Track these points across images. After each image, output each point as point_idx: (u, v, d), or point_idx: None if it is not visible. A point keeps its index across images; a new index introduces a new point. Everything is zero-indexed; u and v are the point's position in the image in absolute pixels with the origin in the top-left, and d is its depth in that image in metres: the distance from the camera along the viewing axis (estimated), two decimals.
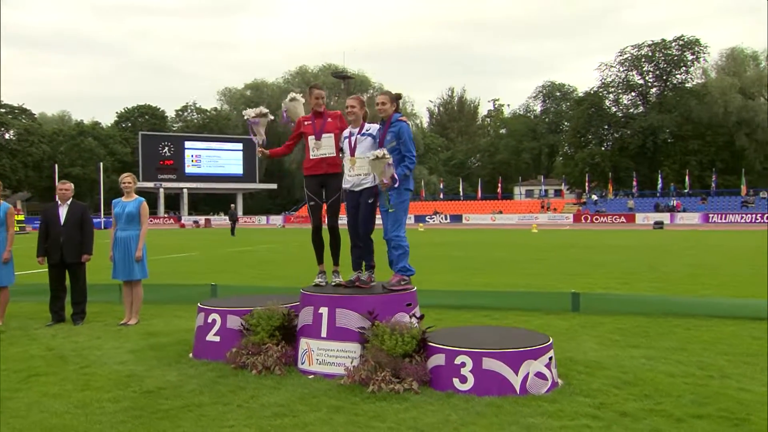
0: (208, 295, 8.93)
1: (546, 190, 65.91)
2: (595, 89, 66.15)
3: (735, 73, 61.24)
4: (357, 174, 5.47)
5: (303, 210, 68.03)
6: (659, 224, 39.76)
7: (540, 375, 4.48)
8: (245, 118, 5.95)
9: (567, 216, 52.46)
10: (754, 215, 45.65)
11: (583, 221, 50.36)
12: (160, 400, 4.43)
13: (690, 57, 62.33)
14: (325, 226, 5.75)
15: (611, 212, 52.00)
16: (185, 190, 67.78)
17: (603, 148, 65.85)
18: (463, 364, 4.51)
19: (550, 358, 4.61)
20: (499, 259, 15.70)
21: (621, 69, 64.92)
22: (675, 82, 63.74)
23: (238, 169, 71.60)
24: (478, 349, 4.52)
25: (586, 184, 59.21)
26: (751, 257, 15.71)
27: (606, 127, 66.71)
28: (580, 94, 71.24)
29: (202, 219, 59.31)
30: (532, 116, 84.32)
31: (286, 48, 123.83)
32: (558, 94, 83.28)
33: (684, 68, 63.09)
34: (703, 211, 49.02)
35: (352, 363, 4.92)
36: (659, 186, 54.65)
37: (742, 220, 45.28)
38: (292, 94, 6.11)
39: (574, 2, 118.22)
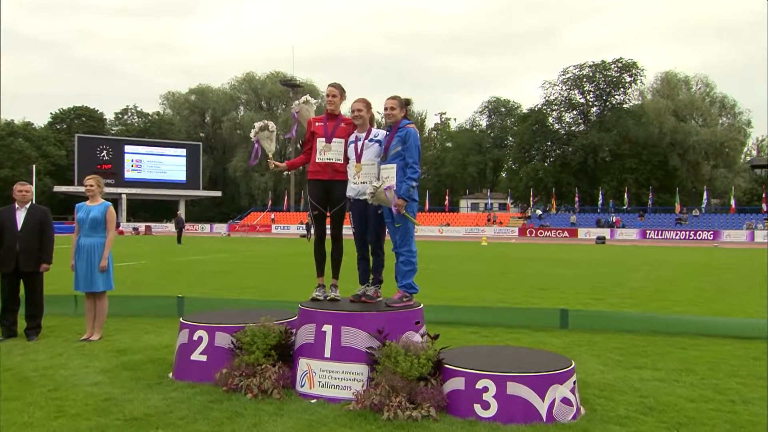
0: (175, 308, 8.35)
1: (491, 204, 66.92)
2: (539, 106, 67.85)
3: (669, 95, 64.20)
4: (362, 182, 5.11)
5: (249, 218, 66.81)
6: (601, 239, 40.87)
7: (566, 401, 4.22)
8: (252, 139, 5.49)
9: (512, 229, 53.33)
10: (687, 232, 47.60)
11: (529, 235, 51.27)
12: (151, 430, 3.92)
13: (628, 79, 64.83)
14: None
15: (555, 227, 53.19)
16: (124, 196, 65.19)
17: (546, 164, 67.47)
18: (486, 389, 4.19)
19: (575, 383, 4.36)
20: (464, 272, 15.58)
21: (563, 88, 66.89)
22: (614, 102, 66.10)
23: (180, 175, 69.47)
24: (502, 372, 4.22)
25: (531, 198, 60.44)
26: (706, 273, 16.16)
27: (549, 143, 68.47)
28: (525, 111, 72.94)
29: (142, 226, 57.23)
30: (478, 131, 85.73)
31: (233, 53, 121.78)
32: (503, 109, 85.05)
33: (622, 89, 65.54)
34: (641, 227, 50.78)
35: (362, 387, 4.53)
36: (599, 202, 56.34)
37: (677, 237, 47.12)
38: (306, 97, 5.68)
39: (517, 20, 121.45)
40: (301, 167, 5.64)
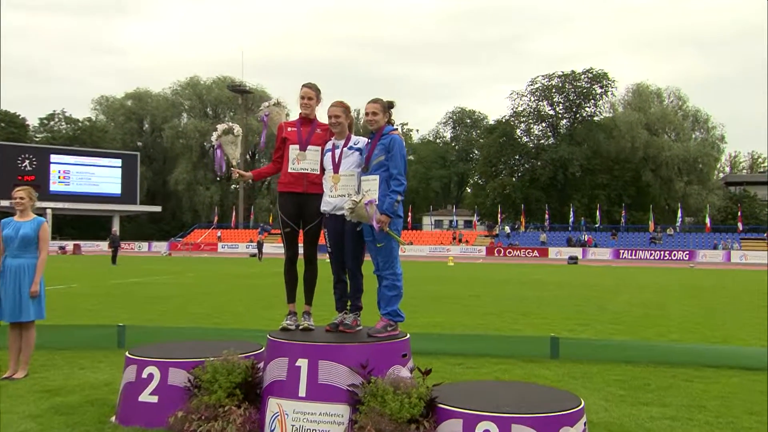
0: (114, 339, 7.88)
1: (457, 221, 67.38)
2: (506, 118, 68.84)
3: (640, 108, 66.06)
4: (340, 195, 4.88)
5: (192, 236, 65.49)
6: (574, 259, 41.46)
7: None
8: (213, 143, 5.20)
9: (479, 249, 53.68)
10: (662, 252, 48.78)
11: (497, 254, 51.67)
12: None
13: (599, 90, 66.43)
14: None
15: (524, 246, 53.77)
16: (49, 211, 62.87)
17: (514, 179, 68.39)
18: None
19: (585, 424, 4.17)
20: (435, 295, 15.41)
21: (532, 99, 68.11)
22: (584, 114, 67.63)
23: (115, 188, 67.50)
24: (505, 413, 4.00)
25: (498, 215, 61.08)
26: (691, 295, 16.40)
27: (517, 157, 69.47)
28: (491, 123, 73.96)
29: (70, 244, 55.33)
30: (442, 143, 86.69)
31: (176, 55, 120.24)
32: (468, 121, 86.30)
33: (593, 101, 67.11)
34: (614, 246, 51.81)
35: (343, 431, 4.24)
36: (570, 220, 57.32)
37: (652, 257, 48.22)
38: (277, 98, 5.42)
39: (480, 26, 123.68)
40: (269, 178, 5.39)
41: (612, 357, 7.11)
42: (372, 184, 4.77)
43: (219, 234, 63.43)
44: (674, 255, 47.82)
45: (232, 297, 14.88)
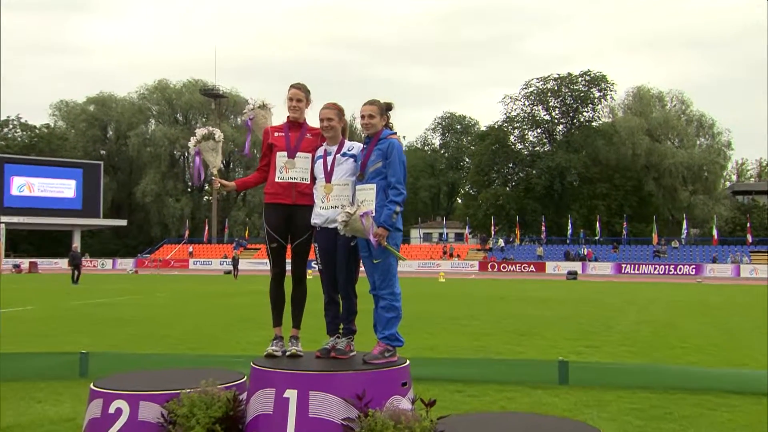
0: (76, 368, 7.63)
1: (447, 234, 67.42)
2: (499, 123, 69.24)
3: (642, 113, 66.67)
4: (333, 206, 4.77)
5: (161, 252, 64.97)
6: (573, 274, 41.54)
7: None
8: (190, 150, 5.08)
9: (472, 263, 53.70)
10: (667, 266, 49.06)
11: (490, 269, 51.72)
12: None
13: (597, 94, 67.11)
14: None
15: (520, 260, 53.88)
16: (3, 225, 62.02)
17: (508, 189, 68.75)
18: None
19: None
20: (427, 314, 15.26)
21: (526, 103, 68.63)
22: (582, 119, 68.24)
23: (75, 200, 66.72)
24: None
25: (491, 228, 61.18)
26: (702, 313, 16.41)
27: (511, 165, 69.89)
28: (483, 129, 74.36)
29: (25, 262, 54.54)
30: (430, 150, 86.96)
31: (143, 56, 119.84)
32: (458, 127, 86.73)
33: (591, 105, 67.76)
34: (616, 260, 52.05)
35: None
36: (568, 232, 57.53)
37: (656, 271, 48.49)
38: (262, 99, 5.28)
39: (471, 27, 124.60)
40: (253, 188, 5.25)
41: (626, 382, 6.99)
42: (368, 194, 4.65)
43: (191, 249, 62.93)
44: (680, 269, 48.11)
45: (208, 318, 14.65)
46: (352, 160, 4.86)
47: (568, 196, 64.68)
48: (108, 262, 60.45)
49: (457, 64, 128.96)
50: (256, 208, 72.67)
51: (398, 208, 4.59)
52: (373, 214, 4.55)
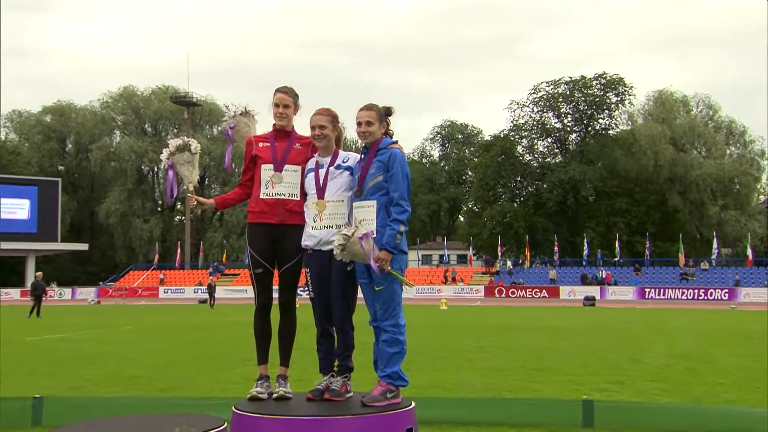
0: (29, 415, 7.44)
1: (448, 256, 67.39)
2: (505, 132, 69.64)
3: (664, 119, 66.91)
4: (326, 226, 4.74)
5: (127, 279, 64.67)
6: (590, 300, 41.50)
7: None
8: (163, 163, 5.04)
9: (477, 288, 53.75)
10: (696, 290, 49.06)
11: (498, 295, 51.74)
12: None
13: (614, 99, 67.48)
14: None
15: (530, 284, 53.94)
16: None
17: (515, 205, 68.95)
18: None
19: None
20: (430, 346, 15.14)
21: (535, 109, 69.03)
22: (597, 127, 68.66)
23: (29, 222, 66.26)
24: None
25: (498, 248, 61.19)
26: (739, 344, 16.33)
27: (519, 178, 70.12)
28: (488, 138, 74.71)
29: None
30: (429, 163, 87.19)
31: (106, 61, 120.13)
32: (460, 136, 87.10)
33: (607, 111, 68.15)
34: (638, 284, 52.08)
35: None
36: (584, 252, 57.56)
37: (684, 296, 48.49)
38: (245, 106, 5.24)
39: (472, 26, 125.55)
40: (234, 206, 5.20)
41: (661, 425, 6.87)
42: (368, 212, 4.60)
43: (161, 276, 62.67)
44: (711, 293, 48.12)
45: (181, 355, 14.48)
46: (347, 173, 4.83)
47: (584, 213, 64.83)
48: (67, 292, 60.08)
49: (457, 67, 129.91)
50: (235, 229, 72.56)
51: (402, 228, 4.55)
52: (374, 236, 4.50)
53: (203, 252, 68.07)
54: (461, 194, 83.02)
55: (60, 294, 59.36)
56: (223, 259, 66.89)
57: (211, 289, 38.91)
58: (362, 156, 4.82)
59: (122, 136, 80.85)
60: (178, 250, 66.47)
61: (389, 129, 4.88)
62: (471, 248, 64.81)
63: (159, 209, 79.44)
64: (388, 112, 4.87)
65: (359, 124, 4.78)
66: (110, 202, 74.02)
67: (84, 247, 71.30)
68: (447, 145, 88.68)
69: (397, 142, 4.84)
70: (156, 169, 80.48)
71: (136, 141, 76.50)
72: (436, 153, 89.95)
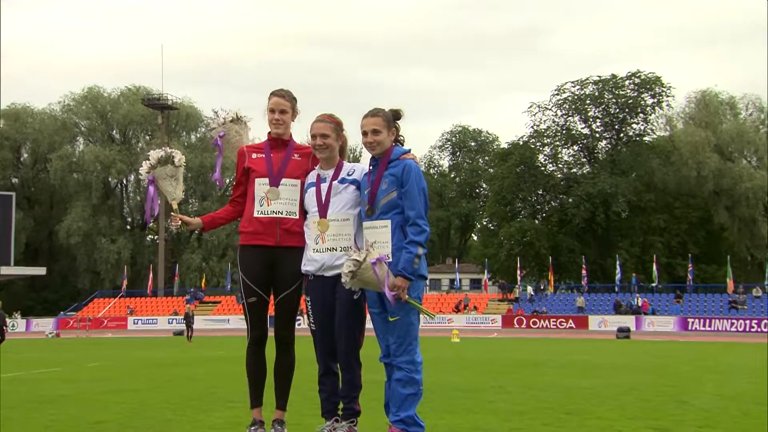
0: None
1: (460, 281, 67.34)
2: (524, 139, 69.79)
3: (708, 124, 66.84)
4: (330, 248, 4.79)
5: (91, 308, 64.59)
6: (624, 332, 41.39)
7: None
8: (142, 177, 5.09)
9: (493, 318, 53.79)
10: (747, 321, 48.86)
11: (517, 326, 51.81)
12: None
13: (650, 100, 67.65)
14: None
15: (555, 313, 54.04)
16: None
17: (537, 222, 68.99)
18: None
19: None
20: (441, 385, 15.02)
21: (559, 113, 69.33)
22: (631, 133, 68.80)
23: None
24: None
25: (517, 272, 61.13)
26: None
27: (541, 192, 70.28)
28: (504, 146, 74.84)
29: None
30: (437, 174, 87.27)
31: (67, 58, 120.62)
32: (473, 144, 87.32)
33: (642, 115, 68.29)
34: (679, 314, 51.97)
35: None
36: (617, 277, 57.44)
37: (733, 327, 48.25)
38: (235, 112, 5.30)
39: (486, 19, 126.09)
40: (225, 225, 5.23)
41: None
42: (381, 234, 4.66)
43: (130, 308, 62.55)
44: (765, 325, 47.87)
45: (155, 395, 14.39)
46: (353, 187, 4.89)
47: (615, 231, 64.84)
48: (21, 323, 60.03)
49: (469, 66, 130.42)
50: (215, 250, 72.63)
51: (420, 250, 4.60)
52: (389, 260, 4.51)
53: (179, 276, 68.05)
54: (474, 210, 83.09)
55: (13, 326, 59.23)
56: (202, 284, 66.91)
57: (188, 320, 38.87)
58: (371, 168, 4.85)
59: (86, 143, 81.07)
60: (150, 275, 66.48)
61: (399, 135, 4.90)
62: (486, 272, 64.76)
63: (128, 228, 79.49)
64: (396, 115, 4.91)
65: (365, 133, 4.83)
66: (72, 219, 74.00)
67: (41, 271, 70.67)
68: (458, 153, 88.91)
69: (410, 151, 4.87)
70: (125, 182, 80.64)
71: (103, 149, 76.60)
72: (445, 163, 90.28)
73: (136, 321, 59.42)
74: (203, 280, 67.87)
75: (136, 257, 75.89)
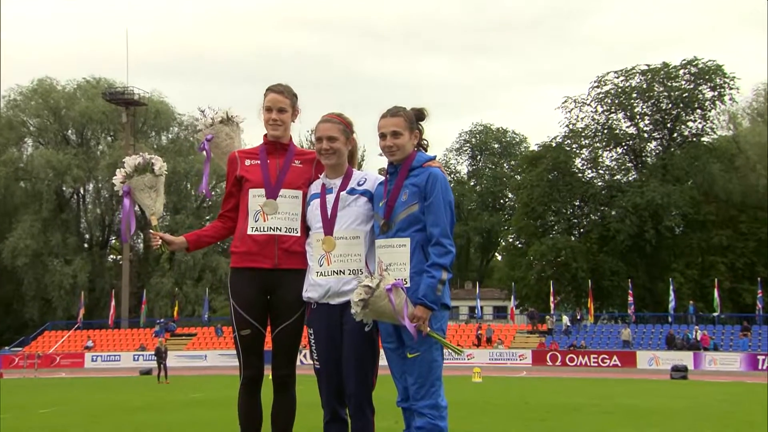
0: None
1: (481, 309, 67.19)
2: (558, 140, 69.63)
3: None
4: (337, 271, 4.84)
5: (41, 343, 64.61)
6: (681, 371, 41.23)
7: None
8: (116, 188, 5.16)
9: (522, 354, 53.65)
10: None
11: (551, 363, 51.78)
12: None
13: (709, 94, 67.34)
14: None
15: (596, 348, 53.82)
16: None
17: (573, 238, 68.74)
18: None
19: None
20: None
21: (599, 109, 69.13)
22: (686, 133, 68.57)
23: None
24: None
25: (551, 298, 60.93)
26: None
27: (577, 203, 70.11)
28: (534, 148, 74.79)
29: None
30: (454, 182, 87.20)
31: (12, 45, 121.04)
32: (497, 146, 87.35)
33: (699, 111, 68.01)
34: (747, 350, 51.69)
35: None
36: (670, 305, 57.15)
37: None
38: (226, 111, 5.36)
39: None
40: (211, 244, 5.29)
41: None
42: (398, 254, 4.70)
43: (89, 343, 62.52)
44: None
45: None
46: (364, 199, 4.93)
47: (668, 250, 64.65)
48: None
49: (490, 53, 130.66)
50: (190, 273, 72.55)
51: (445, 275, 4.63)
52: (407, 286, 4.56)
53: (147, 304, 67.98)
54: (498, 224, 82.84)
55: None
56: (174, 313, 66.78)
57: (159, 355, 38.67)
58: (387, 177, 4.90)
59: (36, 146, 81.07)
60: (112, 302, 66.43)
61: (423, 139, 4.95)
62: (512, 298, 64.55)
63: (86, 246, 79.30)
64: (419, 116, 4.96)
65: (383, 135, 4.87)
66: (18, 236, 73.76)
67: None
68: (479, 157, 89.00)
69: (435, 158, 4.92)
70: (82, 192, 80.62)
71: (56, 153, 76.37)
72: (463, 168, 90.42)
73: (95, 357, 59.27)
74: (176, 309, 67.64)
75: (95, 281, 75.65)
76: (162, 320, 64.33)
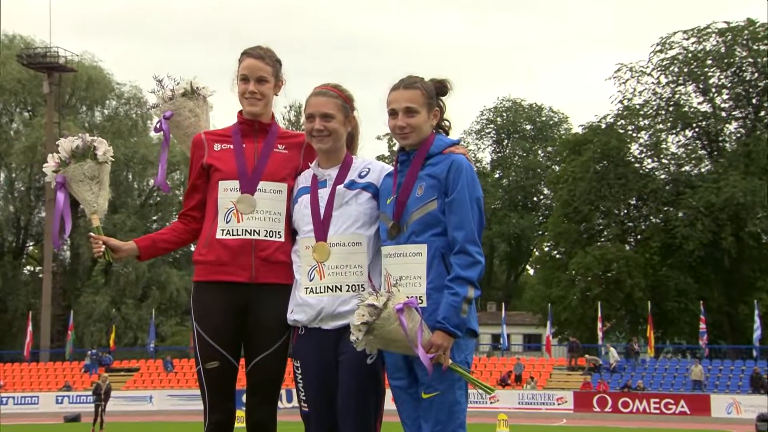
0: None
1: (508, 337, 67.16)
2: (609, 120, 69.52)
3: None
4: (332, 286, 4.88)
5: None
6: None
7: None
8: (48, 179, 5.19)
9: (561, 396, 53.47)
10: None
11: (598, 408, 51.63)
12: None
13: None
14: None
15: (657, 390, 53.75)
16: None
17: (628, 247, 68.67)
18: None
19: None
20: None
21: (663, 80, 68.96)
22: None
23: None
24: None
25: (598, 325, 60.98)
26: None
27: (633, 201, 69.92)
28: (578, 130, 74.78)
29: None
30: (476, 171, 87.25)
31: None
32: (528, 127, 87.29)
33: None
34: None
35: None
36: (755, 335, 57.14)
37: None
38: (190, 81, 5.39)
39: None
40: (170, 251, 5.32)
41: None
42: (411, 266, 4.75)
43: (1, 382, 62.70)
44: None
45: None
46: (367, 195, 4.98)
47: (752, 263, 64.68)
48: None
49: (521, 7, 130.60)
50: (131, 289, 72.54)
51: (472, 292, 4.65)
52: (422, 305, 4.60)
53: (74, 330, 67.99)
54: (530, 229, 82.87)
55: None
56: (110, 342, 66.69)
57: (99, 396, 38.06)
58: (397, 166, 4.94)
59: None
60: (29, 327, 66.45)
61: (444, 119, 4.99)
62: (549, 324, 64.59)
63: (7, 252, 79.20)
64: (441, 89, 5.00)
65: (393, 112, 4.88)
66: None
67: None
68: (506, 142, 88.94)
69: (459, 142, 4.95)
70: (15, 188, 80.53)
71: None
72: (485, 156, 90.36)
73: (5, 400, 59.20)
74: (112, 336, 67.50)
75: (6, 300, 75.55)
76: (94, 351, 64.16)
